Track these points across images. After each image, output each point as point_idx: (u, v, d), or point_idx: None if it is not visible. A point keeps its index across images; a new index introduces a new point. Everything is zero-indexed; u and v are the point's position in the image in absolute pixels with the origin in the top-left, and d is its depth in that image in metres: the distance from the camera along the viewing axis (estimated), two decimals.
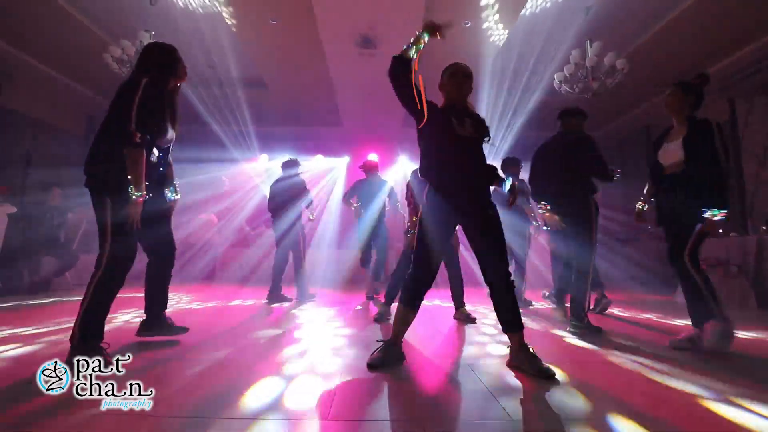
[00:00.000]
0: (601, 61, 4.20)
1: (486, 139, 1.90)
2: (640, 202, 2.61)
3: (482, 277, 1.79)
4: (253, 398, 1.32)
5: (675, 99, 2.35)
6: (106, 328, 1.83)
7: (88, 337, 1.70)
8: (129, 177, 1.73)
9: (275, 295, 3.95)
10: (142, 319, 2.24)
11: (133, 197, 1.74)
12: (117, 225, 1.75)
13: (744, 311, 3.77)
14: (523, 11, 4.25)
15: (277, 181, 4.30)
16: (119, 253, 1.77)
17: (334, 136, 7.96)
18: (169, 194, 2.20)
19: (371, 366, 1.68)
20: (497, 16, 4.36)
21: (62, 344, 1.92)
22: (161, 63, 2.03)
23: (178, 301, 3.83)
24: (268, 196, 4.37)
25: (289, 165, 4.36)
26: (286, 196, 4.15)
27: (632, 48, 4.80)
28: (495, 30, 4.63)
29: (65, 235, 4.80)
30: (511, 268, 4.30)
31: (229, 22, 4.51)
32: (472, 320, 2.93)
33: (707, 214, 2.10)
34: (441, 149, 1.83)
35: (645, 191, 2.61)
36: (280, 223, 4.12)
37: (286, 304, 3.84)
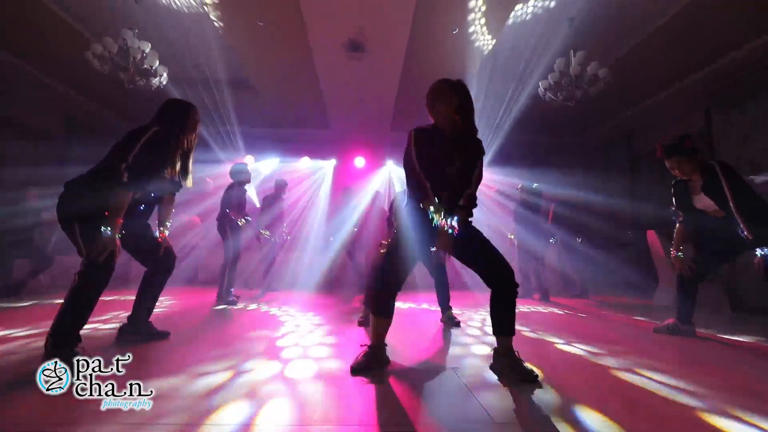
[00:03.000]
0: (584, 70, 4.31)
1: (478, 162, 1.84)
2: (675, 251, 2.76)
3: (487, 283, 1.77)
4: (235, 404, 1.30)
5: (687, 165, 2.54)
6: (85, 331, 1.78)
7: (60, 344, 1.65)
8: (106, 213, 1.75)
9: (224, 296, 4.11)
10: (122, 324, 2.19)
11: (105, 233, 1.73)
12: (88, 250, 1.74)
13: (719, 314, 3.90)
14: (508, 20, 4.33)
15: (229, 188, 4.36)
16: (94, 271, 1.75)
17: (320, 139, 7.93)
18: (157, 230, 2.27)
19: (354, 370, 1.68)
20: (483, 21, 4.42)
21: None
22: (174, 117, 2.14)
23: (159, 305, 3.74)
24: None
25: (236, 172, 4.43)
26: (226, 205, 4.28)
27: (614, 58, 4.93)
28: (481, 37, 4.70)
29: (39, 236, 4.64)
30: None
31: (215, 22, 4.46)
32: (457, 324, 2.95)
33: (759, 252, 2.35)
34: (434, 176, 1.77)
35: (677, 240, 2.76)
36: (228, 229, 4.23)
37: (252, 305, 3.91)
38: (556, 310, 3.95)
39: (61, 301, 1.74)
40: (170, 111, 2.15)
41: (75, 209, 1.78)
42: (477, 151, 1.84)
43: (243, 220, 4.32)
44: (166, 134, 2.00)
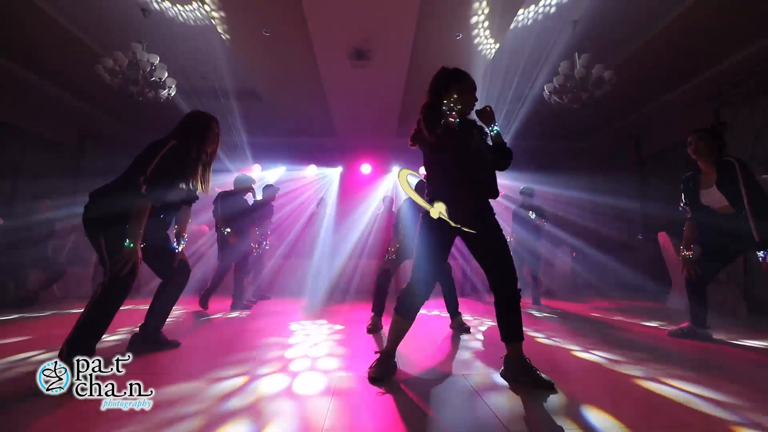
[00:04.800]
0: (589, 72, 4.29)
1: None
2: (684, 251, 2.69)
3: (489, 286, 1.78)
4: (243, 416, 1.30)
5: (705, 145, 2.50)
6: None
7: (74, 355, 1.67)
8: (128, 226, 1.79)
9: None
10: (134, 333, 2.21)
11: (127, 246, 1.76)
12: (113, 262, 1.77)
13: (736, 317, 3.80)
14: (512, 25, 4.34)
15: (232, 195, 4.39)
16: (117, 282, 1.77)
17: (327, 146, 7.99)
18: (176, 244, 2.31)
19: (374, 379, 1.65)
20: (487, 24, 4.43)
21: None
22: (193, 130, 2.15)
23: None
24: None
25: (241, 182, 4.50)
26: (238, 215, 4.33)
27: (620, 60, 4.90)
28: (485, 42, 4.71)
29: (53, 247, 4.72)
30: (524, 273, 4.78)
31: (222, 34, 4.54)
32: (467, 329, 2.92)
33: (760, 255, 2.31)
34: (458, 165, 1.77)
35: (687, 237, 2.70)
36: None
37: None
38: (568, 314, 3.90)
39: (79, 311, 1.76)
40: (190, 124, 2.17)
41: (100, 220, 1.82)
42: (482, 129, 1.91)
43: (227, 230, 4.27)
44: (184, 147, 2.03)
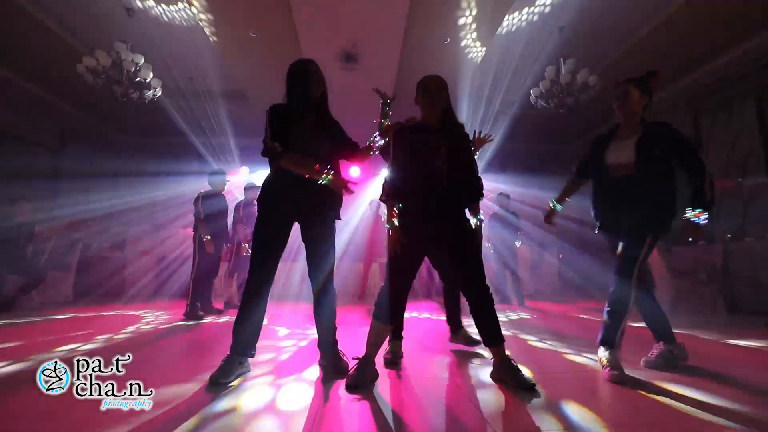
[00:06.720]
0: (574, 77, 4.37)
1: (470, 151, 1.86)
2: (553, 201, 2.32)
3: (461, 292, 1.79)
4: (235, 416, 1.28)
5: (631, 100, 2.10)
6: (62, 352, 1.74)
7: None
8: (306, 175, 1.82)
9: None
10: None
11: (322, 180, 1.79)
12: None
13: (715, 317, 3.90)
14: (499, 30, 4.40)
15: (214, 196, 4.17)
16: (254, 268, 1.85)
17: None
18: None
19: (350, 386, 1.61)
20: (475, 31, 4.48)
21: None
22: (293, 83, 2.09)
23: (153, 320, 3.67)
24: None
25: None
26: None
27: (604, 65, 5.01)
28: (473, 47, 4.76)
29: (32, 251, 4.58)
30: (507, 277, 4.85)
31: (209, 36, 4.49)
32: (477, 342, 2.38)
33: (688, 215, 1.85)
34: (412, 176, 1.79)
35: (565, 189, 2.33)
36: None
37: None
38: (556, 316, 3.95)
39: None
40: (287, 79, 2.12)
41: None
42: (461, 138, 1.86)
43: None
44: (290, 102, 2.03)
